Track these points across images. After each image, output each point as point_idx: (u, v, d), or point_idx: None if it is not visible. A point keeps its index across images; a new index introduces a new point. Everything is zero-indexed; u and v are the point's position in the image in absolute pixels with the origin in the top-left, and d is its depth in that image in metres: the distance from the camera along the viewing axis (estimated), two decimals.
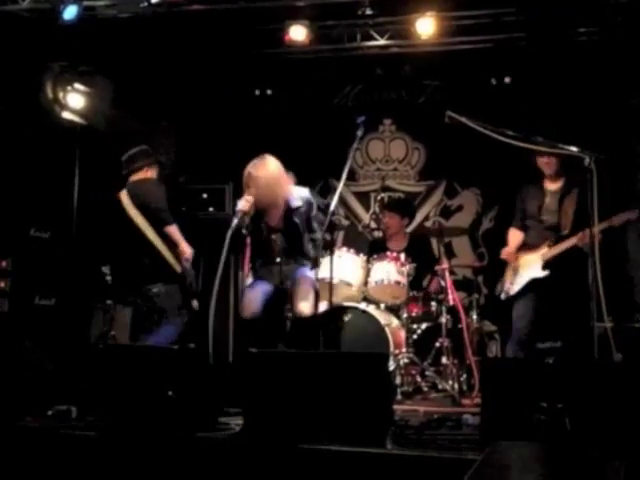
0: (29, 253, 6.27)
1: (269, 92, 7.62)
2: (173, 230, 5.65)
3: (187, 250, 5.68)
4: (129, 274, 5.82)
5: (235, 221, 4.86)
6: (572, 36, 6.48)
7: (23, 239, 6.22)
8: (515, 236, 5.71)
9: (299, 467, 3.56)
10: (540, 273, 5.39)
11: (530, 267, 5.46)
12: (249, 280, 5.45)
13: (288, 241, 5.18)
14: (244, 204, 4.92)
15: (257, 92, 7.60)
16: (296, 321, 5.04)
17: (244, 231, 5.02)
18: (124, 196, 5.71)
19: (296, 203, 5.12)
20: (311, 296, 4.98)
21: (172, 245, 5.65)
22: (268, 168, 5.00)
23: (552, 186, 5.51)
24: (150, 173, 5.81)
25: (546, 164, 5.44)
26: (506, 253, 5.66)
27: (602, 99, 6.82)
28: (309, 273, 5.06)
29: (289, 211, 5.13)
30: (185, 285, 5.68)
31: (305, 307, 4.93)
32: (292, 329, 5.24)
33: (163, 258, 5.63)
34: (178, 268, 5.66)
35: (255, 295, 5.10)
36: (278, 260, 5.17)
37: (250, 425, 3.91)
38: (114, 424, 4.05)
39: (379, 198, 6.97)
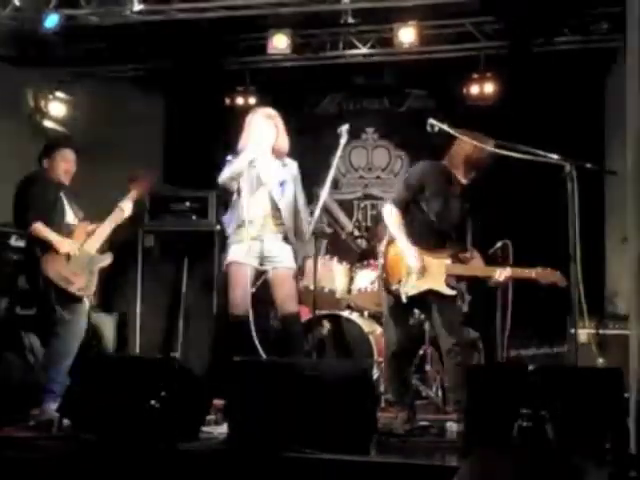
0: (9, 262, 6.20)
1: (252, 101, 7.60)
2: (38, 229, 4.91)
3: (59, 246, 4.94)
4: None
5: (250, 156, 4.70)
6: (553, 44, 6.55)
7: (3, 248, 6.16)
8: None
9: (283, 476, 3.55)
10: (446, 291, 4.73)
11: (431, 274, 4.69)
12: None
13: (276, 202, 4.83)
14: (257, 146, 4.74)
15: (240, 101, 7.58)
16: (284, 320, 4.88)
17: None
18: None
19: (286, 167, 4.94)
20: (295, 294, 4.88)
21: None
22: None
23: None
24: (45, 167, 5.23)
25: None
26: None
27: (580, 108, 6.89)
28: (289, 262, 4.86)
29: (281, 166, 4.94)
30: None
31: (293, 306, 4.84)
32: (281, 331, 5.05)
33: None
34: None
35: (242, 285, 4.76)
36: (259, 233, 4.78)
37: (234, 434, 3.90)
38: (96, 434, 4.02)
39: (362, 206, 6.97)
